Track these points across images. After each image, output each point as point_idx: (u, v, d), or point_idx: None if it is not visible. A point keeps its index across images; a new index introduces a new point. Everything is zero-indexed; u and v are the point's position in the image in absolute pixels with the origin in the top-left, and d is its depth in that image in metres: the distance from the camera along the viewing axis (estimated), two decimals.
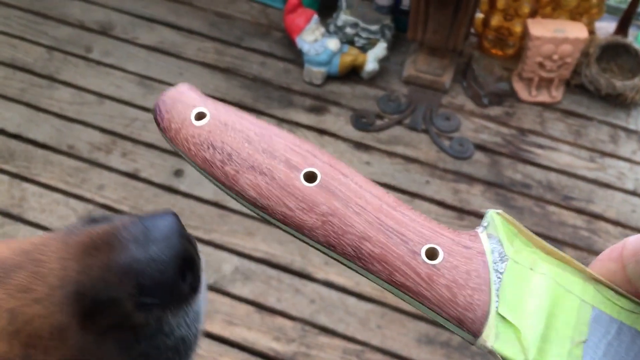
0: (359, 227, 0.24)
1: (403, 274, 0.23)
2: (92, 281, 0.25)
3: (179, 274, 0.27)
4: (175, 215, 0.29)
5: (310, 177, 0.24)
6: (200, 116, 0.27)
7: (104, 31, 1.61)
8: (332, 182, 0.24)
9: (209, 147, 0.26)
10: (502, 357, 0.22)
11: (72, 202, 1.30)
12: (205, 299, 0.30)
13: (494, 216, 0.25)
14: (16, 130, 1.40)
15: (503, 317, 0.23)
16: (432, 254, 0.23)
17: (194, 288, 0.28)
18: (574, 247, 1.29)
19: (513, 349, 0.22)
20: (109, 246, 0.26)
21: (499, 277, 0.23)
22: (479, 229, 0.25)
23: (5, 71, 1.51)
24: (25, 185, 1.32)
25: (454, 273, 0.23)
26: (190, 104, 0.27)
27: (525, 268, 0.24)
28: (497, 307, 0.23)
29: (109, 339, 0.25)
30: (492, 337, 0.22)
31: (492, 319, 0.23)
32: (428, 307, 0.23)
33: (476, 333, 0.23)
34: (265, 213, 0.25)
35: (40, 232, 1.25)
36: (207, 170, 0.26)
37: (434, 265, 0.23)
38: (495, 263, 0.24)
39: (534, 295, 0.23)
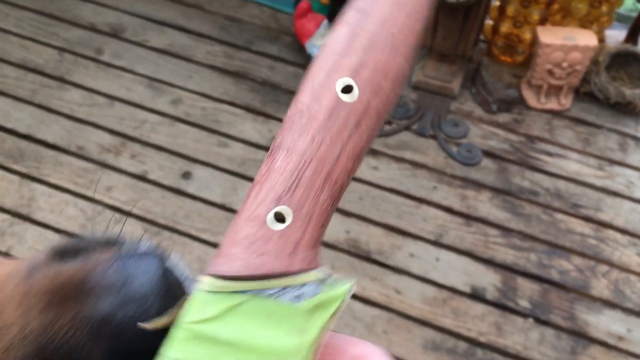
0: None
1: None
2: (56, 341, 0.21)
3: (161, 335, 0.23)
4: (161, 257, 0.25)
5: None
6: None
7: (114, 34, 1.62)
8: None
9: None
10: None
11: (81, 202, 1.31)
12: None
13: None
14: (27, 131, 1.42)
15: None
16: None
17: None
18: (582, 255, 1.29)
19: None
20: (79, 294, 0.22)
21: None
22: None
23: (17, 72, 1.52)
24: (35, 185, 1.33)
25: None
26: None
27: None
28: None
29: None
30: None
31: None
32: None
33: None
34: None
35: (48, 233, 1.26)
36: None
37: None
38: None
39: None
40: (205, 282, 0.24)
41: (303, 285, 0.25)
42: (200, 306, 0.24)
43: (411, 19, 0.29)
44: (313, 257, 0.26)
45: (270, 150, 0.28)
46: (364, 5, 0.29)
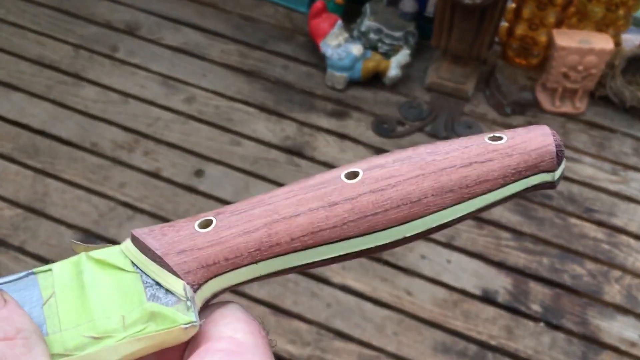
0: None
1: None
2: None
3: None
4: None
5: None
6: None
7: (130, 31, 1.63)
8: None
9: None
10: None
11: (94, 199, 1.31)
12: None
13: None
14: (42, 127, 1.43)
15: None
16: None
17: None
18: (595, 260, 1.28)
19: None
20: None
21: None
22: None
23: (33, 68, 1.54)
24: (49, 180, 1.34)
25: None
26: None
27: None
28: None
29: None
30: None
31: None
32: None
33: None
34: None
35: (62, 228, 1.27)
36: None
37: None
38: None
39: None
40: (128, 243, 0.25)
41: (167, 291, 0.24)
42: (107, 252, 0.25)
43: None
44: (195, 273, 0.24)
45: None
46: None
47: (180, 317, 0.24)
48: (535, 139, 0.26)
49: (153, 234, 0.25)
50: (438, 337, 1.16)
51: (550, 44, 1.47)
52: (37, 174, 1.35)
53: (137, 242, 0.25)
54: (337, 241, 0.25)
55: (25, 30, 1.61)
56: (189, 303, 0.24)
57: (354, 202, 0.25)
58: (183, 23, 1.65)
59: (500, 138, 0.26)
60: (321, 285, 1.21)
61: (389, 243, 0.26)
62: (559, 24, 1.50)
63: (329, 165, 1.39)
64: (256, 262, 0.25)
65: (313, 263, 0.26)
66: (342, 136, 1.45)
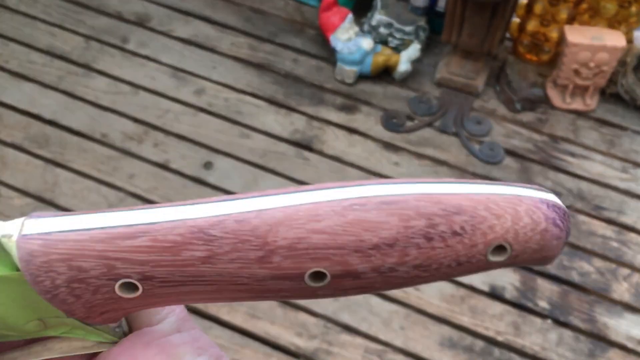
0: None
1: None
2: None
3: None
4: None
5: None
6: None
7: (140, 22, 1.63)
8: None
9: None
10: None
11: (104, 189, 1.32)
12: None
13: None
14: (52, 117, 1.43)
15: None
16: None
17: None
18: (603, 257, 1.27)
19: None
20: None
21: None
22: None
23: (44, 58, 1.54)
24: (59, 170, 1.34)
25: None
26: None
27: None
28: None
29: None
30: None
31: None
32: None
33: None
34: None
35: None
36: None
37: None
38: None
39: None
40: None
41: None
42: None
43: None
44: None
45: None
46: None
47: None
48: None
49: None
50: (445, 332, 1.17)
51: (561, 40, 1.46)
52: (47, 163, 1.35)
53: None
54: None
55: (37, 21, 1.62)
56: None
57: None
58: (193, 15, 1.65)
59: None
60: None
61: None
62: (570, 20, 1.49)
63: (338, 159, 1.39)
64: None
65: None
66: (351, 130, 1.45)
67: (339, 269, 0.23)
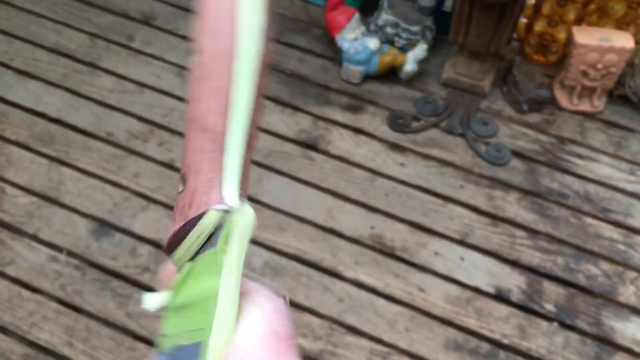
0: None
1: None
2: None
3: None
4: None
5: None
6: None
7: (146, 21, 1.63)
8: None
9: None
10: None
11: (109, 188, 1.31)
12: None
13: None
14: (57, 115, 1.43)
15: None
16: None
17: None
18: (610, 260, 1.27)
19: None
20: None
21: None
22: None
23: (49, 56, 1.54)
24: (64, 169, 1.34)
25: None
26: None
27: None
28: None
29: None
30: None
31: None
32: None
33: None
34: None
35: (76, 217, 1.27)
36: None
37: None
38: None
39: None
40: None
41: (214, 229, 0.27)
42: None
43: None
44: (209, 198, 0.28)
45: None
46: None
47: (244, 217, 0.29)
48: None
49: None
50: (450, 334, 1.16)
51: (569, 41, 1.45)
52: (52, 162, 1.35)
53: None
54: None
55: (42, 19, 1.62)
56: (231, 208, 0.29)
57: None
58: None
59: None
60: (334, 279, 1.21)
61: None
62: (578, 21, 1.48)
63: (344, 159, 1.39)
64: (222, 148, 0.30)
65: None
66: (357, 130, 1.44)
67: None
